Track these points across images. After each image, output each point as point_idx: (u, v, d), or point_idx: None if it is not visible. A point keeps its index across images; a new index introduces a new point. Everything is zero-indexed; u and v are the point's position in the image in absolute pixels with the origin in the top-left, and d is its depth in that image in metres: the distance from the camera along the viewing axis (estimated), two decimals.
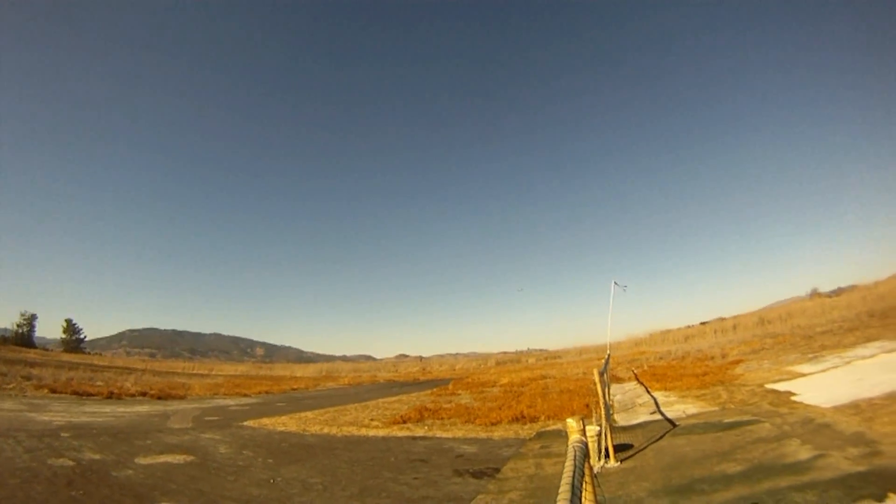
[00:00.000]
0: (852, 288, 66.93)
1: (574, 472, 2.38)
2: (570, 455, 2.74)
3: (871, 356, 17.96)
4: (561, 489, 2.11)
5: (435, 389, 36.63)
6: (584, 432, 3.53)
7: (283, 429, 17.89)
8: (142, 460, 11.77)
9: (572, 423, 3.58)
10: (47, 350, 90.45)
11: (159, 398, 30.49)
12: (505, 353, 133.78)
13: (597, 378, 10.76)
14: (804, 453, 8.41)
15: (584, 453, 2.97)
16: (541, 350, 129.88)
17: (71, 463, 11.04)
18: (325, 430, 17.26)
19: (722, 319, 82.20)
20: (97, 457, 11.92)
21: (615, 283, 15.98)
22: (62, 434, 14.71)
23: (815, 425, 10.20)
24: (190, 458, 12.30)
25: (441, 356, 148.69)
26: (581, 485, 2.39)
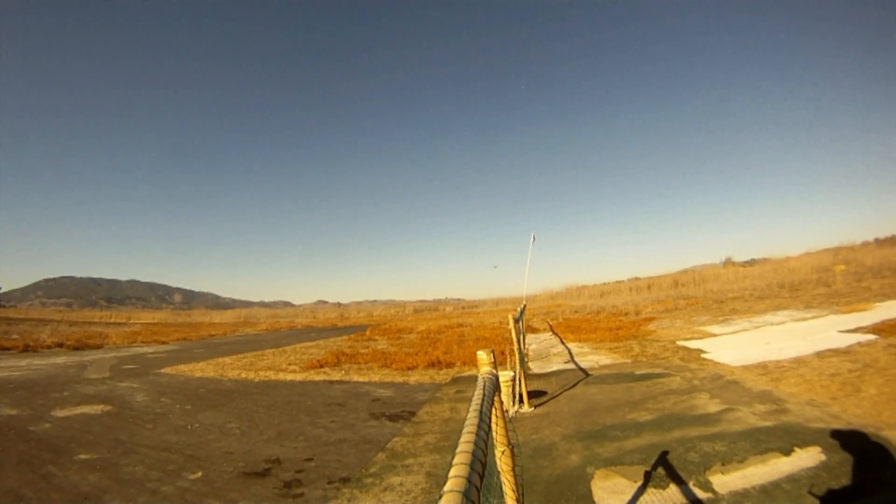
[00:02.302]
0: (765, 260, 69.51)
1: (483, 400, 2.37)
2: (480, 384, 2.79)
3: (780, 323, 18.86)
4: (469, 415, 2.12)
5: (352, 335, 36.66)
6: (494, 364, 3.59)
7: (200, 375, 17.90)
8: (59, 413, 11.71)
9: (482, 355, 3.64)
10: None
11: (76, 349, 30.01)
12: (423, 301, 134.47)
13: (511, 325, 10.89)
14: (713, 407, 8.85)
15: (494, 385, 3.03)
16: (458, 300, 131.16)
17: None
18: (243, 376, 17.34)
19: (637, 279, 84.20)
20: (14, 412, 11.82)
21: (534, 237, 16.23)
22: None
23: (724, 381, 10.71)
24: (107, 407, 12.27)
25: (359, 303, 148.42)
26: (490, 412, 2.34)
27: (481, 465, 1.70)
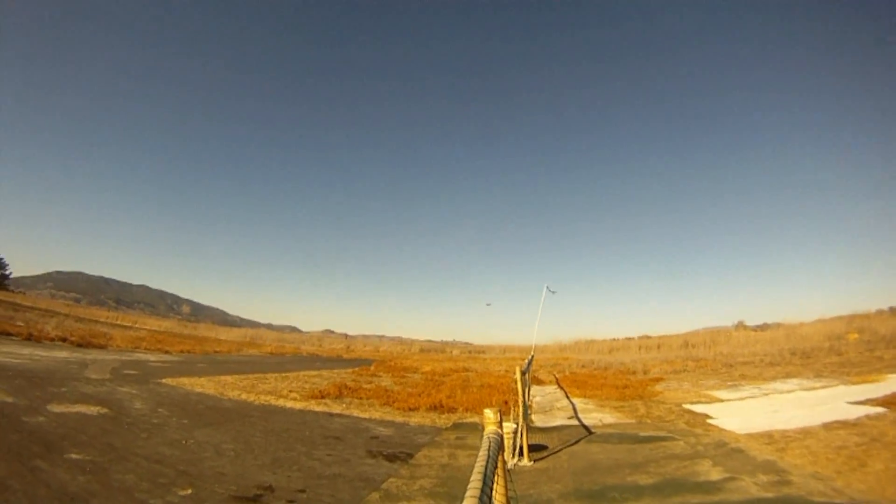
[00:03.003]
0: (777, 325, 68.85)
1: (487, 461, 2.39)
2: (485, 445, 2.75)
3: (789, 391, 18.60)
4: (473, 477, 2.12)
5: (357, 368, 36.52)
6: (500, 424, 3.55)
7: (200, 390, 17.77)
8: (55, 408, 11.62)
9: (489, 414, 3.61)
10: None
11: (79, 345, 30.02)
12: (430, 341, 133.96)
13: (518, 376, 10.83)
14: (716, 474, 8.65)
15: (499, 445, 2.97)
16: (466, 343, 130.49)
17: None
18: (243, 397, 17.21)
19: (648, 337, 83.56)
20: (9, 400, 11.77)
21: (547, 287, 16.18)
22: None
23: (728, 449, 10.50)
24: (104, 410, 12.18)
25: (366, 336, 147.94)
26: (493, 476, 2.37)
27: None
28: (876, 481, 7.83)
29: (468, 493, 1.91)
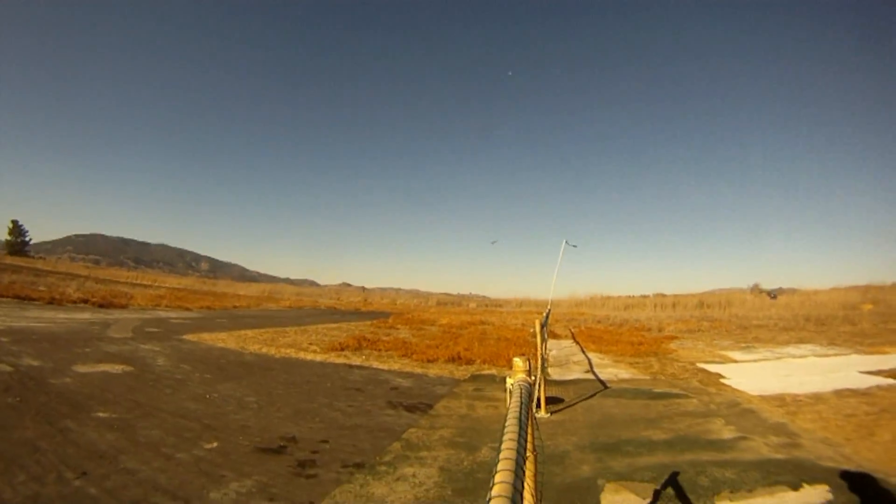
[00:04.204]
0: (793, 291, 68.56)
1: (520, 408, 2.41)
2: (517, 391, 2.76)
3: (803, 357, 18.55)
4: (508, 422, 2.14)
5: (375, 321, 36.74)
6: (529, 372, 3.57)
7: (222, 345, 17.98)
8: (80, 368, 11.81)
9: (518, 362, 3.59)
10: None
11: (101, 306, 30.28)
12: (447, 294, 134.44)
13: (538, 329, 10.84)
14: (727, 433, 8.71)
15: (530, 392, 3.01)
16: (482, 296, 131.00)
17: (9, 368, 11.08)
18: (264, 350, 17.41)
19: (663, 295, 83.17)
20: (35, 363, 11.92)
21: (566, 241, 16.05)
22: (1, 339, 14.64)
23: (740, 409, 10.54)
24: (128, 368, 12.36)
25: (383, 289, 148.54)
26: (527, 420, 2.39)
27: (522, 471, 1.70)
28: (884, 451, 7.85)
29: (506, 436, 1.94)
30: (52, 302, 29.02)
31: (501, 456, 1.73)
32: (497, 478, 1.54)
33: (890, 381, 13.33)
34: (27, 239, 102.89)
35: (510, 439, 1.91)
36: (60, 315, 23.42)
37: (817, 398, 11.48)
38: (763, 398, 11.63)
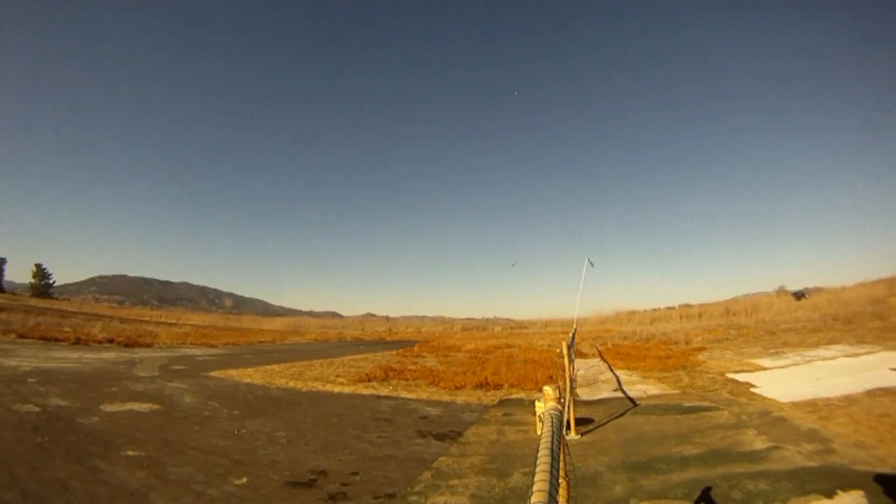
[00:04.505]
0: (819, 290, 67.87)
1: (552, 437, 2.41)
2: (548, 420, 2.76)
3: (832, 358, 18.35)
4: (540, 454, 2.14)
5: (401, 350, 36.73)
6: (559, 401, 3.57)
7: (248, 381, 17.96)
8: (108, 407, 11.82)
9: (549, 391, 3.61)
10: (16, 294, 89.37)
11: (126, 346, 30.43)
12: (471, 319, 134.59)
13: (565, 351, 10.78)
14: (760, 444, 8.62)
15: (561, 421, 3.02)
16: (507, 319, 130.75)
17: (37, 409, 11.10)
18: (291, 384, 17.37)
19: (688, 306, 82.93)
20: (64, 403, 11.96)
21: (588, 260, 16.01)
22: (29, 380, 14.74)
23: (772, 418, 10.43)
24: (156, 406, 12.36)
25: (408, 318, 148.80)
26: (560, 451, 2.42)
27: (556, 503, 1.68)
28: None
29: (538, 468, 1.94)
30: (78, 342, 29.18)
31: (535, 488, 1.75)
32: None
33: None
34: (51, 281, 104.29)
35: (543, 471, 1.92)
36: (87, 355, 23.54)
37: (849, 400, 11.38)
38: (794, 405, 11.53)
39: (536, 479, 1.83)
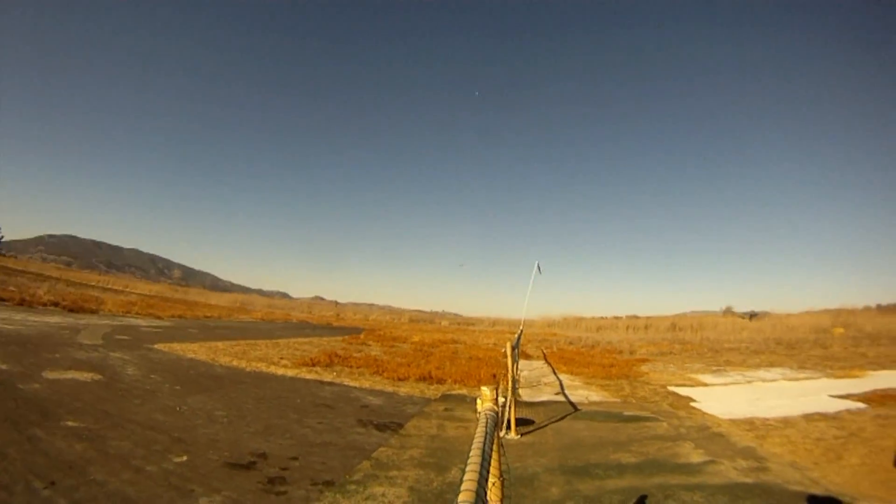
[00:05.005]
0: (766, 314, 69.41)
1: (486, 437, 2.46)
2: (483, 421, 2.81)
3: (773, 380, 18.89)
4: (472, 453, 2.19)
5: (347, 337, 36.71)
6: (496, 402, 3.62)
7: (192, 356, 17.90)
8: (49, 374, 11.72)
9: (486, 392, 3.66)
10: None
11: (71, 310, 30.04)
12: (420, 311, 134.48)
13: (509, 351, 10.85)
14: (696, 457, 8.85)
15: (496, 421, 3.07)
16: (455, 314, 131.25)
17: None
18: (235, 363, 17.35)
19: (636, 317, 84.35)
20: (4, 367, 11.87)
21: (538, 265, 16.15)
22: None
23: (710, 433, 10.72)
24: (98, 376, 12.27)
25: (357, 304, 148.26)
26: (491, 451, 2.45)
27: (483, 502, 1.76)
28: (851, 475, 8.03)
29: (468, 468, 1.99)
30: (23, 303, 28.71)
31: (463, 487, 1.81)
32: None
33: (859, 405, 13.61)
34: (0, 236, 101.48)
35: (472, 470, 1.98)
36: (31, 317, 23.22)
37: (786, 422, 11.73)
38: (733, 422, 11.84)
39: (466, 477, 1.90)
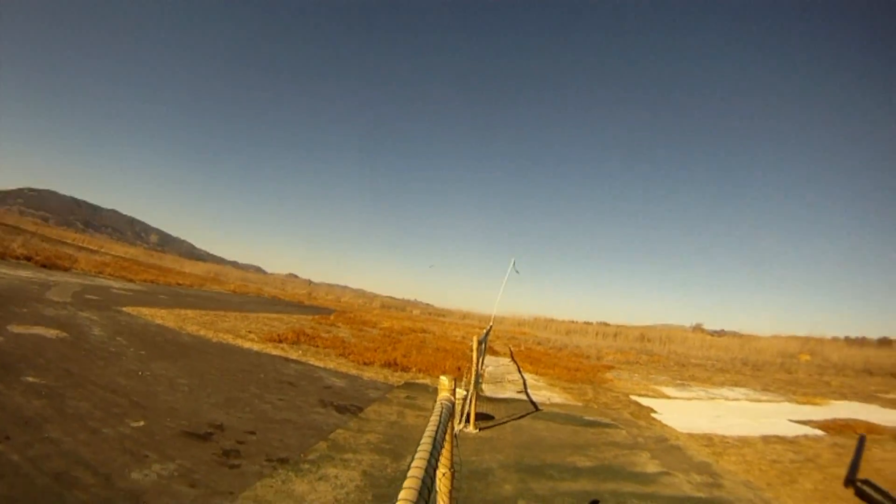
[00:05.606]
0: (734, 334, 70.11)
1: (438, 427, 2.47)
2: (437, 411, 2.85)
3: (735, 399, 19.13)
4: (423, 440, 2.22)
5: (317, 316, 36.57)
6: (454, 392, 3.64)
7: (160, 322, 17.84)
8: (14, 328, 11.68)
9: (444, 381, 3.69)
10: None
11: (44, 266, 29.80)
12: (392, 297, 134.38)
13: (475, 346, 10.94)
14: (652, 467, 8.97)
15: (450, 412, 3.10)
16: (427, 304, 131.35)
17: None
18: (202, 333, 17.32)
19: (606, 324, 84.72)
20: None
21: (514, 263, 16.21)
22: None
23: (667, 445, 10.84)
24: (63, 334, 12.24)
25: (330, 285, 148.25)
26: (443, 441, 2.47)
27: (428, 492, 1.81)
28: (804, 499, 8.16)
29: (417, 455, 2.02)
30: None
31: (410, 474, 1.84)
32: (401, 495, 1.67)
33: (818, 432, 13.81)
34: None
35: (421, 458, 2.02)
36: (1, 270, 23.08)
37: (744, 441, 11.87)
38: (691, 436, 11.97)
39: (413, 464, 1.93)
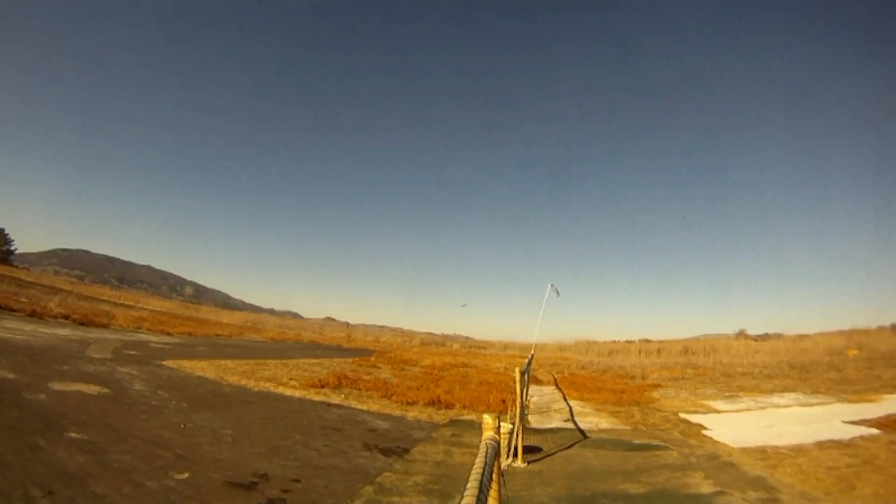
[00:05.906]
0: (778, 336, 68.75)
1: (484, 468, 2.39)
2: (483, 451, 2.76)
3: (786, 406, 18.60)
4: (469, 484, 2.13)
5: (357, 359, 36.42)
6: (498, 430, 3.53)
7: (200, 374, 17.83)
8: (56, 386, 11.70)
9: (488, 420, 3.59)
10: None
11: (82, 324, 30.05)
12: (431, 333, 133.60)
13: (517, 377, 10.77)
14: (706, 487, 8.67)
15: (496, 451, 2.99)
16: (466, 337, 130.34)
17: None
18: (243, 382, 17.25)
19: (648, 341, 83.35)
20: (11, 376, 11.85)
21: (552, 286, 16.04)
22: None
23: (720, 462, 10.51)
24: (104, 390, 12.24)
25: (367, 326, 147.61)
26: (489, 483, 2.37)
27: None
28: None
29: (464, 501, 1.93)
30: (34, 315, 28.77)
31: None
32: None
33: (873, 430, 13.36)
34: (12, 248, 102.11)
35: (469, 501, 1.93)
36: (41, 329, 23.26)
37: (799, 450, 11.48)
38: (744, 450, 11.61)
39: None
